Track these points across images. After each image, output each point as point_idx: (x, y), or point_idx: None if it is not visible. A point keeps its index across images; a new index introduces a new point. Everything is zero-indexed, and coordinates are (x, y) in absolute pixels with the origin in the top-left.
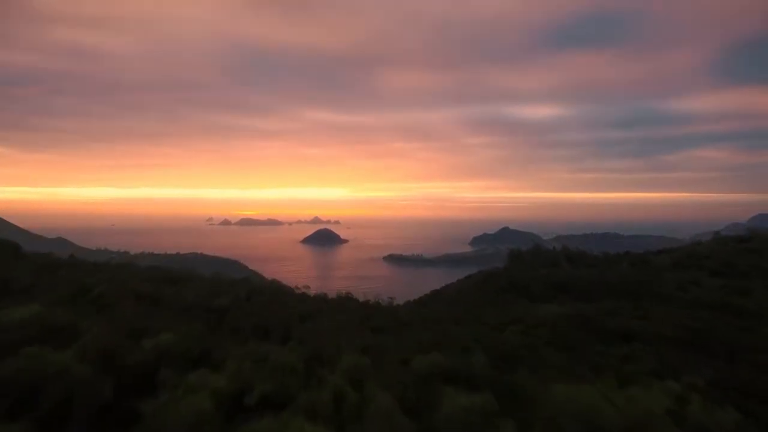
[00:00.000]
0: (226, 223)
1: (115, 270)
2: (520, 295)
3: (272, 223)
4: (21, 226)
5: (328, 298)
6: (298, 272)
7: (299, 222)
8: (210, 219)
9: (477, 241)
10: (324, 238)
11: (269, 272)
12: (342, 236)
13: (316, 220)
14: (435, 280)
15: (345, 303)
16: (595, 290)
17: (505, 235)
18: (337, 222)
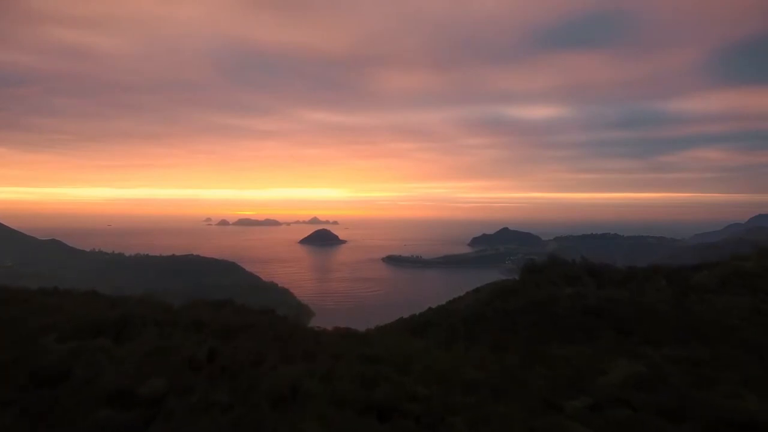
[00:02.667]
0: (224, 223)
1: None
2: (547, 322)
3: (270, 223)
4: (15, 227)
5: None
6: (297, 273)
7: (297, 222)
8: (208, 219)
9: (476, 241)
10: (322, 238)
11: (267, 274)
12: (340, 237)
13: (314, 221)
14: (435, 281)
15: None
16: (643, 322)
17: (505, 235)
18: (335, 222)
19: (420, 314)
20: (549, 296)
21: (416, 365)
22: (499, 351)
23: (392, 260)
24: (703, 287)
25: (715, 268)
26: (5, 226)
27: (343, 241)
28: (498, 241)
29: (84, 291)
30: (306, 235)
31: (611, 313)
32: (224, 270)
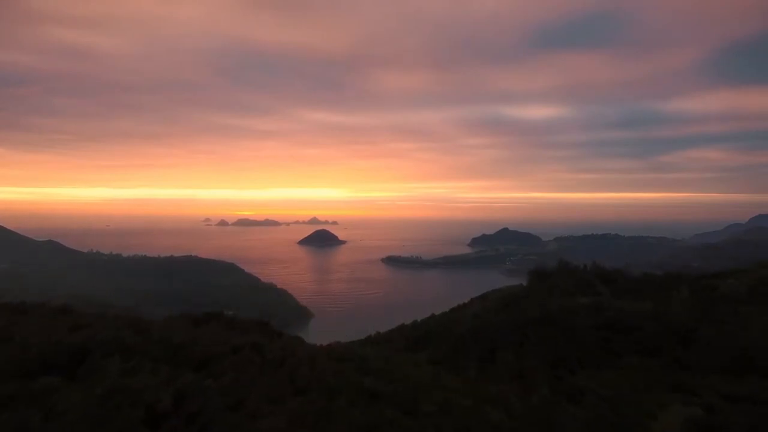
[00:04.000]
0: (223, 223)
1: None
2: (563, 338)
3: (270, 223)
4: (12, 228)
5: None
6: (296, 274)
7: (297, 222)
8: (207, 219)
9: (476, 242)
10: (322, 238)
11: (266, 275)
12: (340, 237)
13: (314, 221)
14: (435, 282)
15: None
16: (673, 340)
17: (505, 236)
18: (335, 222)
19: (422, 321)
20: (563, 307)
21: (426, 403)
22: (518, 378)
23: (392, 261)
24: (731, 297)
25: (740, 276)
26: (2, 227)
27: (343, 242)
28: (498, 242)
29: (55, 306)
30: (305, 236)
31: (635, 329)
32: (223, 271)
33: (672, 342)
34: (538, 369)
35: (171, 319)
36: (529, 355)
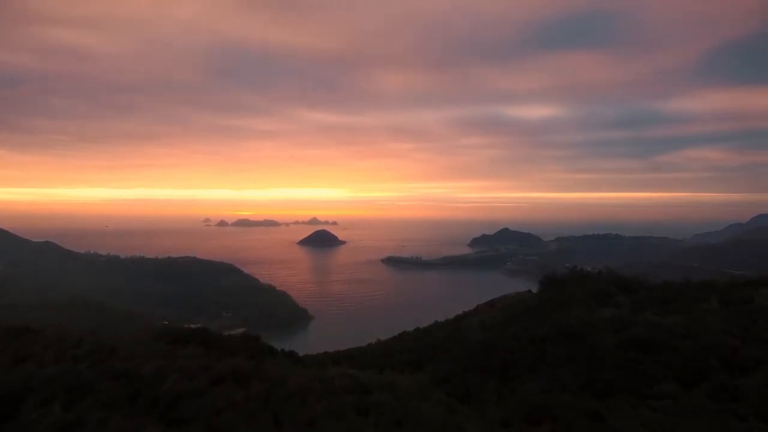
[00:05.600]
0: (222, 224)
1: None
2: (587, 360)
3: (269, 223)
4: (9, 229)
5: None
6: (295, 275)
7: (297, 223)
8: (207, 220)
9: (476, 242)
10: (322, 239)
11: (265, 276)
12: (340, 237)
13: (313, 221)
14: (436, 283)
15: None
16: (716, 366)
17: (505, 236)
18: (334, 223)
19: (425, 330)
20: (583, 321)
21: None
22: (544, 414)
23: (392, 261)
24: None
25: None
26: None
27: (343, 242)
28: (498, 242)
29: (11, 326)
30: (305, 236)
31: (668, 349)
32: (222, 272)
33: (714, 365)
34: (565, 402)
35: (144, 340)
36: (548, 377)
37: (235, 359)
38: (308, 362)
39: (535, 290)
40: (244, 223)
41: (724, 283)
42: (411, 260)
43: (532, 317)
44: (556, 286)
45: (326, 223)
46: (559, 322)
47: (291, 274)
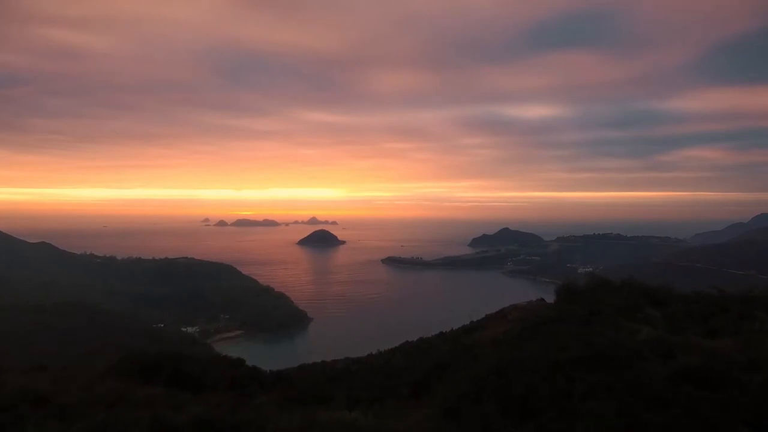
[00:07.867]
0: (222, 224)
1: None
2: (627, 394)
3: (269, 223)
4: (4, 230)
5: None
6: (295, 276)
7: (296, 222)
8: (206, 220)
9: (476, 242)
10: (321, 239)
11: (264, 277)
12: (339, 237)
13: (313, 221)
14: (437, 284)
15: None
16: None
17: (505, 236)
18: (334, 222)
19: (430, 342)
20: (615, 343)
21: None
22: None
23: (392, 262)
24: None
25: None
26: None
27: (342, 242)
28: (499, 242)
29: None
30: (304, 236)
31: (728, 383)
32: (220, 273)
33: None
34: None
35: (98, 375)
36: (580, 416)
37: (205, 404)
38: (300, 387)
39: (541, 293)
40: (243, 223)
41: (764, 296)
42: (411, 260)
43: (553, 334)
44: (575, 296)
45: (326, 222)
46: (587, 342)
47: (290, 274)
